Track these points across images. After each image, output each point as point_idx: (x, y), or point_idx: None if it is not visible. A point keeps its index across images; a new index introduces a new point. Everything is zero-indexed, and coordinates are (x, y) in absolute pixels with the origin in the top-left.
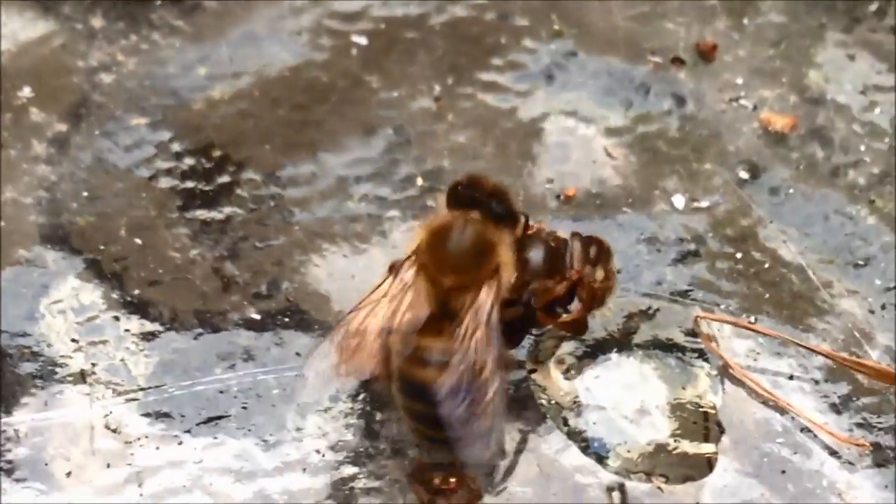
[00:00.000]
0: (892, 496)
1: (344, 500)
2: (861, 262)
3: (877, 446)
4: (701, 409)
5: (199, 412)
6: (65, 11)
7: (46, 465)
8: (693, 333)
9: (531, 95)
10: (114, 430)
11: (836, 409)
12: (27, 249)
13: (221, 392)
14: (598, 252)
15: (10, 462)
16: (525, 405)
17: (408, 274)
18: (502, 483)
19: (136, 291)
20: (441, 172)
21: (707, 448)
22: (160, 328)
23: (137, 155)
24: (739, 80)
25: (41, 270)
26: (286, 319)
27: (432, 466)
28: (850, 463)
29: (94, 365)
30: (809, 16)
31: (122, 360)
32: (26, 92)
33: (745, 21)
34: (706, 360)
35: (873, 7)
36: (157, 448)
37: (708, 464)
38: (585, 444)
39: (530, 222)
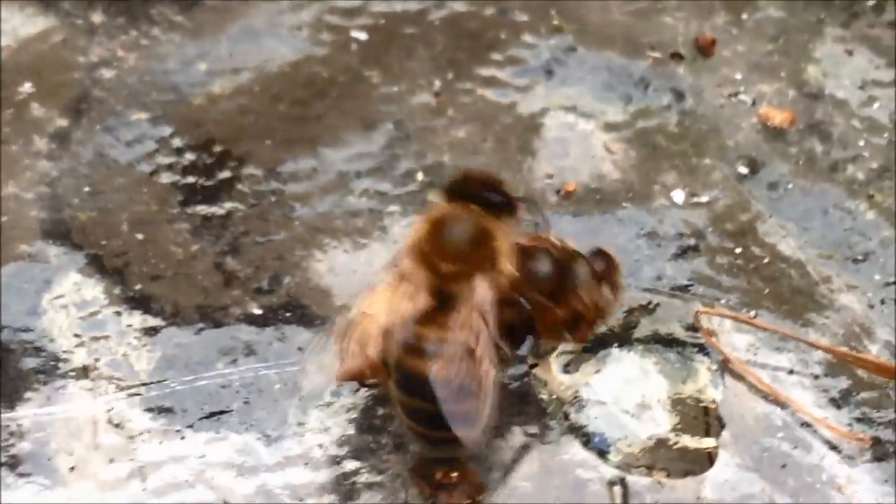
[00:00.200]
0: (893, 490)
1: (346, 495)
2: (860, 257)
3: (877, 441)
4: (701, 404)
5: (201, 407)
6: (65, 7)
7: (49, 459)
8: (693, 328)
9: (531, 90)
10: (116, 425)
11: (836, 403)
12: (29, 245)
13: (223, 387)
14: (606, 267)
15: (13, 457)
16: (526, 400)
17: (407, 266)
18: (503, 478)
19: (138, 286)
20: (441, 167)
21: (707, 442)
22: (162, 323)
23: (138, 150)
24: (738, 76)
25: (43, 266)
26: (287, 314)
27: (434, 461)
28: (851, 457)
29: (96, 360)
30: (808, 11)
31: (124, 355)
32: (27, 87)
33: (744, 16)
34: (706, 354)
35: (871, 2)
36: (160, 443)
37: (708, 458)
38: (586, 439)
39: (546, 232)
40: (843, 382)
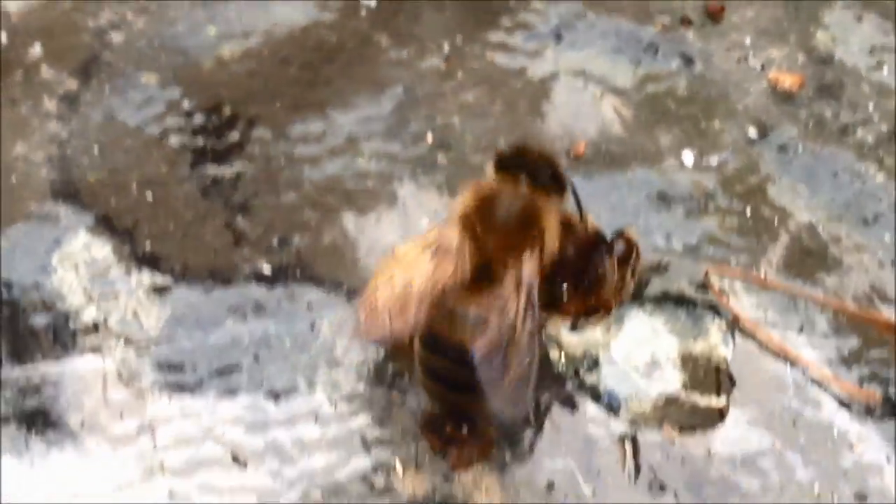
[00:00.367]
0: None
1: (356, 450)
2: (870, 219)
3: (887, 398)
4: (711, 362)
5: (210, 363)
6: None
7: (60, 415)
8: (703, 287)
9: (540, 55)
10: (126, 382)
11: (846, 362)
12: (38, 205)
13: (233, 344)
14: (626, 252)
15: (24, 412)
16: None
17: (451, 235)
18: (514, 434)
19: (148, 246)
20: (450, 130)
21: (718, 400)
22: (171, 282)
23: (147, 113)
24: (747, 41)
25: (52, 225)
26: (297, 273)
27: (444, 417)
28: (861, 414)
29: (106, 317)
30: None
31: (133, 312)
32: (37, 50)
33: None
34: (717, 313)
35: None
36: (170, 399)
37: (719, 415)
38: (597, 397)
39: (581, 213)
40: (853, 342)
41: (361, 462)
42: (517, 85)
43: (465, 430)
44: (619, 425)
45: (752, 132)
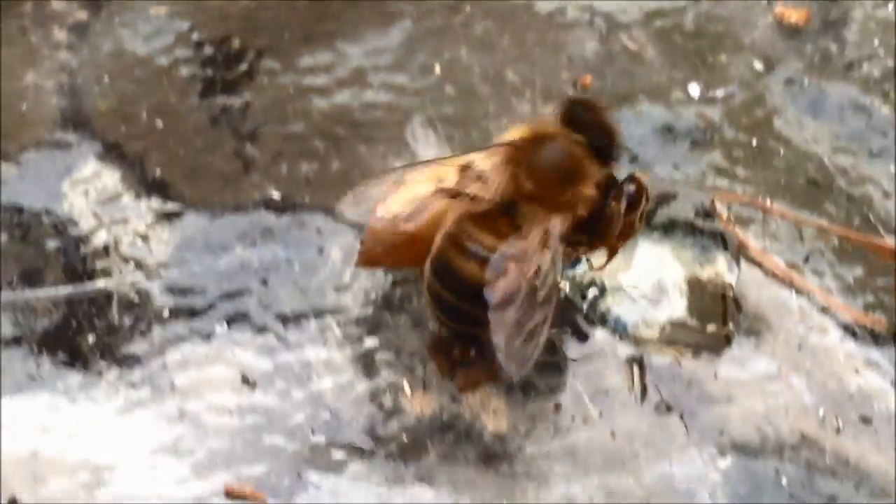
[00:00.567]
0: None
1: (364, 372)
2: (876, 151)
3: (893, 324)
4: (718, 289)
5: (220, 287)
6: None
7: (71, 337)
8: (709, 215)
9: None
10: (136, 304)
11: (851, 290)
12: (49, 132)
13: (242, 269)
14: (636, 194)
15: (35, 334)
16: None
17: (489, 160)
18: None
19: (158, 173)
20: (458, 62)
21: (724, 325)
22: (181, 208)
23: (157, 44)
24: None
25: (63, 152)
26: (306, 200)
27: (452, 339)
28: (867, 340)
29: (117, 241)
30: None
31: (144, 237)
32: None
33: None
34: (723, 240)
35: None
36: (179, 322)
37: (725, 340)
38: (604, 322)
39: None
40: (858, 270)
41: (369, 384)
42: (525, 18)
43: (472, 353)
44: (627, 348)
45: (759, 66)
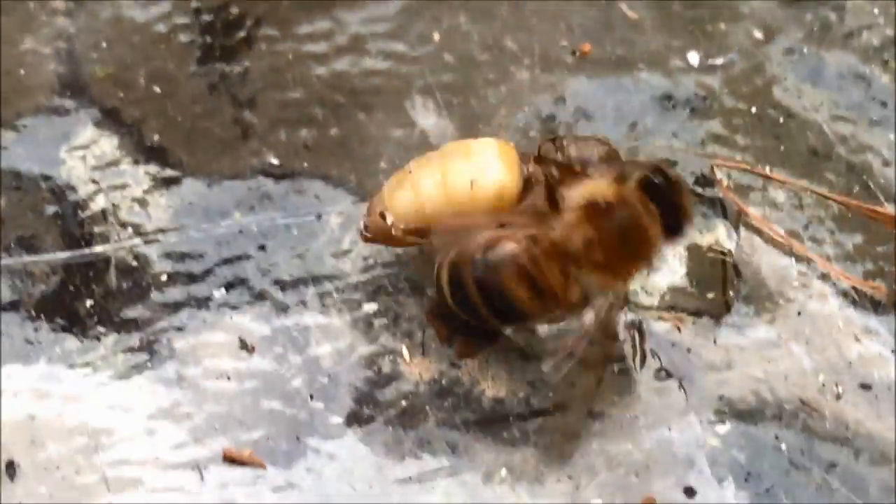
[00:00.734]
0: None
1: (363, 338)
2: (876, 119)
3: (892, 292)
4: (717, 255)
5: (218, 253)
6: None
7: (69, 302)
8: (709, 183)
9: None
10: (134, 269)
11: (851, 258)
12: (46, 98)
13: (240, 234)
14: (607, 156)
15: (33, 299)
16: None
17: (564, 216)
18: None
19: (156, 139)
20: (457, 30)
21: (723, 292)
22: (179, 173)
23: (154, 11)
24: None
25: (61, 118)
26: (304, 166)
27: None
28: (867, 308)
29: (115, 206)
30: None
31: (142, 202)
32: None
33: None
34: (723, 207)
35: None
36: (177, 287)
37: (725, 306)
38: None
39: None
40: (857, 238)
41: (368, 349)
42: None
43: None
44: (626, 314)
45: (758, 34)
